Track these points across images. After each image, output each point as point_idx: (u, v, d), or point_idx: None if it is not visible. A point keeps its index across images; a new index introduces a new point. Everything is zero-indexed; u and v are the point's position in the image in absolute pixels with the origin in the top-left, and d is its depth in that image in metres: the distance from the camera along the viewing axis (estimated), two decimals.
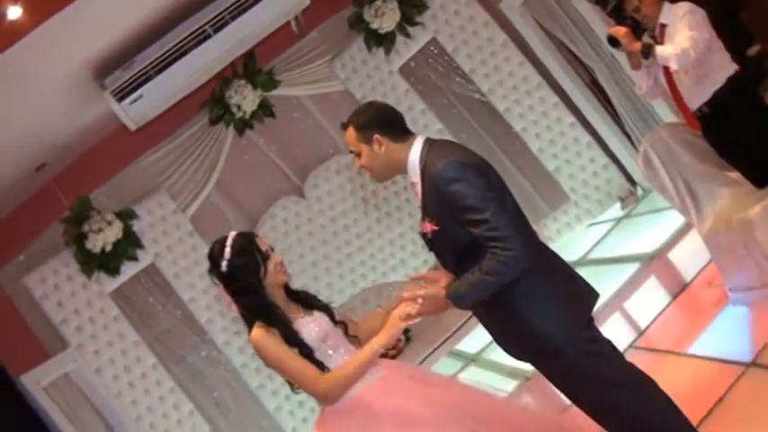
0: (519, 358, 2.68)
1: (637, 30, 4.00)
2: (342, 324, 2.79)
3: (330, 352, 2.67)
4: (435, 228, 2.50)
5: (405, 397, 2.60)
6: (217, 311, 6.47)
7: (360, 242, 7.25)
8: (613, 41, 3.92)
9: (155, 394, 6.09)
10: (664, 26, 3.89)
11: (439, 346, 6.24)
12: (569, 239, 6.62)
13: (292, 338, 2.63)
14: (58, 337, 6.07)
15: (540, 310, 2.48)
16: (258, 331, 2.64)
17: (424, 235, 2.59)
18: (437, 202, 2.46)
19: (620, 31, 3.89)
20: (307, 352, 2.62)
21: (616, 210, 6.41)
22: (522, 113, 6.66)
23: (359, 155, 2.63)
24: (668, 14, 3.87)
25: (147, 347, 6.22)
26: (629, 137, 6.22)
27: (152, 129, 6.15)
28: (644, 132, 5.88)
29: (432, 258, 7.17)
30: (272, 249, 2.75)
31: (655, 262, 4.75)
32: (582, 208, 6.71)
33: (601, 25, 5.84)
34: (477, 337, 5.54)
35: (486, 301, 2.49)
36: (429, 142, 2.59)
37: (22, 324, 6.21)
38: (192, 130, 6.74)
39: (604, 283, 4.96)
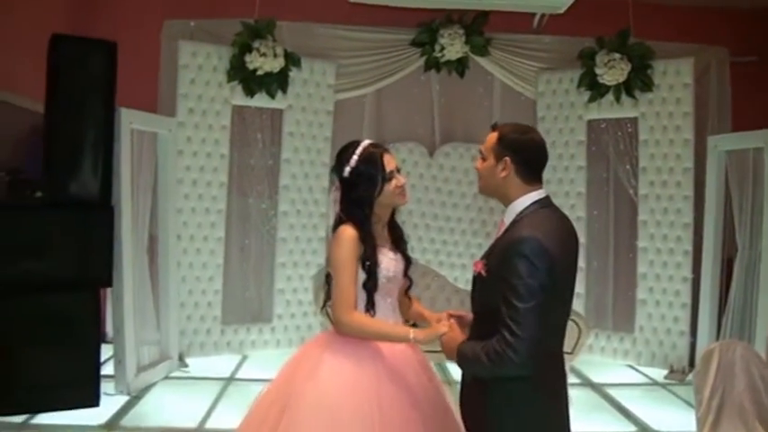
0: (466, 425, 2.72)
1: None
2: (409, 280, 2.87)
3: (383, 294, 2.74)
4: (484, 274, 2.44)
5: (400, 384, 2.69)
6: (296, 185, 6.79)
7: (440, 224, 7.32)
8: None
9: (205, 204, 6.41)
10: None
11: None
12: (604, 363, 6.64)
13: (371, 261, 2.70)
14: (172, 105, 6.38)
15: (515, 417, 2.41)
16: (352, 230, 2.69)
17: (474, 271, 2.56)
18: (501, 258, 2.36)
19: None
20: (371, 278, 2.69)
21: (659, 374, 6.36)
22: (653, 235, 6.60)
23: (483, 159, 2.56)
24: None
25: (227, 166, 6.53)
26: (719, 328, 6.08)
27: (364, 10, 6.30)
28: (734, 335, 5.76)
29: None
30: (399, 170, 2.79)
31: None
32: (636, 349, 6.68)
33: None
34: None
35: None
36: (543, 204, 2.46)
37: (153, 73, 6.56)
38: (395, 36, 6.98)
39: (592, 420, 5.03)
